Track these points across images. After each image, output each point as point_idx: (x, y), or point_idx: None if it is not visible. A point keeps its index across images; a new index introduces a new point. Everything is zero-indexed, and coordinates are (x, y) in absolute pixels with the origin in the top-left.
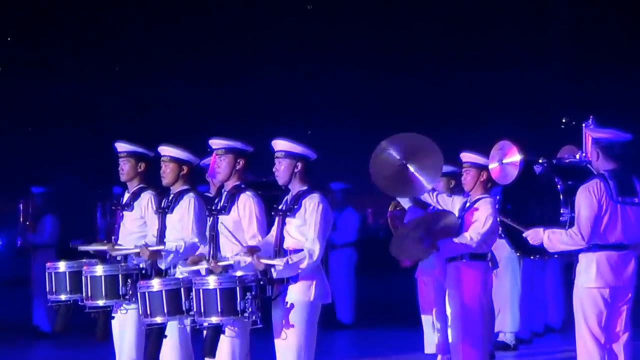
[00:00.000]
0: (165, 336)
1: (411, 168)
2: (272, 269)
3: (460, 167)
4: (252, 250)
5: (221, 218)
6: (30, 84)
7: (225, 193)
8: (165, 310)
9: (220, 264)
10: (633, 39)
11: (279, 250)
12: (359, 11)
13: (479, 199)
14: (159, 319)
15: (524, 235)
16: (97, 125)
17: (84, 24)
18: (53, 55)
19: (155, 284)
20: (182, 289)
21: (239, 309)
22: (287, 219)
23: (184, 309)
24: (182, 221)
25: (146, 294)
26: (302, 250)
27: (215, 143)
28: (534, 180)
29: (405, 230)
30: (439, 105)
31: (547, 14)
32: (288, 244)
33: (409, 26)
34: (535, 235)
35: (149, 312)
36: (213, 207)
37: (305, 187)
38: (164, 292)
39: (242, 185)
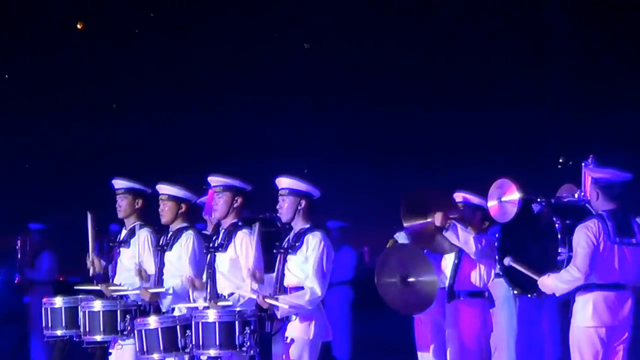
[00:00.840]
0: None
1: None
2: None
3: None
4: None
5: (218, 255)
6: (28, 122)
7: (223, 230)
8: (161, 347)
9: (220, 304)
10: (632, 78)
11: (280, 287)
12: (355, 50)
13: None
14: (155, 356)
15: (538, 282)
16: (95, 162)
17: (81, 62)
18: (50, 92)
19: (152, 321)
20: (178, 327)
21: (237, 343)
22: (289, 257)
23: (179, 346)
24: (180, 259)
25: (143, 331)
26: (303, 288)
27: (214, 180)
28: (533, 219)
29: (382, 279)
30: (435, 143)
31: (544, 52)
32: (289, 281)
33: (406, 65)
34: (542, 283)
35: (145, 349)
36: (210, 245)
37: (308, 225)
38: (159, 329)
39: (239, 223)
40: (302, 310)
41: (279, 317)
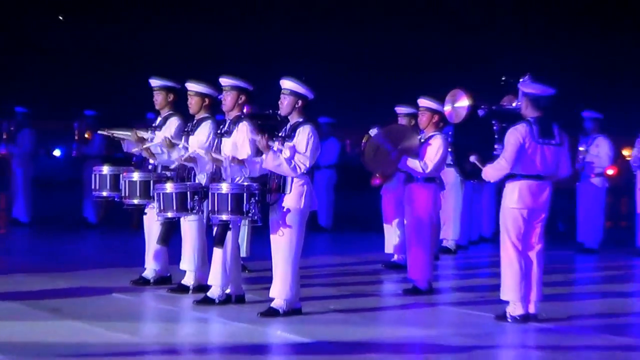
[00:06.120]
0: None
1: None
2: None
3: (418, 110)
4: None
5: (224, 140)
6: (90, 28)
7: (229, 121)
8: (175, 207)
9: (214, 155)
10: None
11: None
12: None
13: (431, 136)
14: (169, 214)
15: (482, 170)
16: (138, 62)
17: None
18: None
19: (169, 186)
20: (188, 192)
21: (245, 209)
22: (286, 144)
23: (189, 207)
24: (199, 141)
25: (161, 194)
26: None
27: (224, 81)
28: (480, 123)
29: (374, 144)
30: (409, 59)
31: None
32: None
33: None
34: (484, 171)
35: (162, 208)
36: (219, 131)
37: (301, 119)
38: (174, 193)
39: (242, 116)
40: (286, 171)
41: (263, 166)
